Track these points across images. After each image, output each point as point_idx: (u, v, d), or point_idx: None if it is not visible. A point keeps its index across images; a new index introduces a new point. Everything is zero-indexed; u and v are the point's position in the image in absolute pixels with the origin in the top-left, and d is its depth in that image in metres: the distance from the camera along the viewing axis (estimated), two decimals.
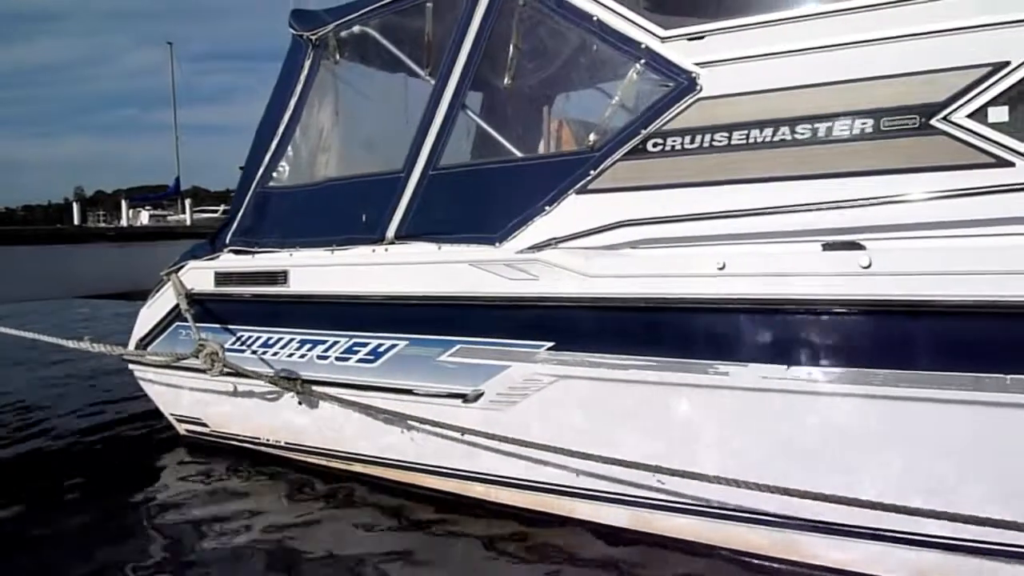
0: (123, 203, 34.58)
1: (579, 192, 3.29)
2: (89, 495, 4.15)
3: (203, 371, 4.26)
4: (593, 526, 3.39)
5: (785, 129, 2.89)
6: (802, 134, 2.86)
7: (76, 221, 37.42)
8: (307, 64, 4.41)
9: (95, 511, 3.89)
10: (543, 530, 3.44)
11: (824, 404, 2.77)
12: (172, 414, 5.05)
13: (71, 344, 4.34)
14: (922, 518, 2.62)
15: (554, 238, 3.30)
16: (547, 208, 3.35)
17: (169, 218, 39.12)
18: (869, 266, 2.62)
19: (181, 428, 5.04)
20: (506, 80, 3.72)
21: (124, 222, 33.54)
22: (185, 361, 4.32)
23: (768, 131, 2.92)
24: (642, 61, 3.22)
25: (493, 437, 3.47)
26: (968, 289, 2.50)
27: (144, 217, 39.20)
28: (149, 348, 4.87)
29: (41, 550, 3.44)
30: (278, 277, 4.17)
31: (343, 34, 4.31)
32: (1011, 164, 2.55)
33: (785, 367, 2.79)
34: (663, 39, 3.18)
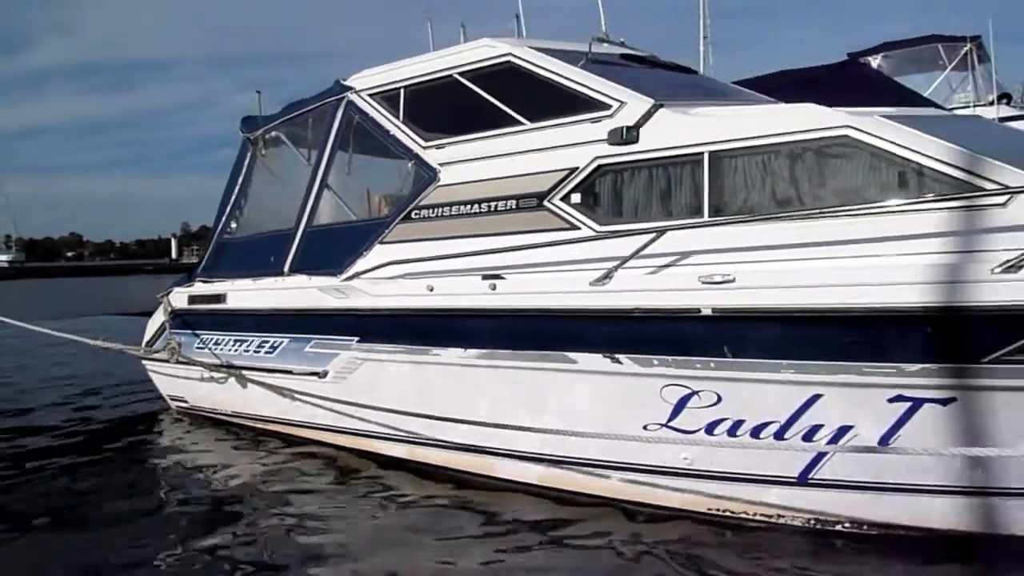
0: None
1: (380, 243, 5.22)
2: (107, 443, 6.36)
3: (181, 363, 6.40)
4: (390, 460, 5.22)
5: (475, 206, 4.75)
6: (483, 209, 4.71)
7: (174, 255, 41.95)
8: (248, 156, 6.56)
9: (114, 452, 6.05)
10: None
11: (484, 373, 4.56)
12: (167, 394, 7.21)
13: (92, 342, 6.55)
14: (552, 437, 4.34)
15: (362, 271, 5.23)
16: (364, 252, 5.29)
17: None
18: (495, 288, 4.42)
19: (173, 404, 7.19)
20: (347, 170, 5.72)
21: None
22: (158, 354, 6.49)
23: (468, 207, 4.79)
24: (412, 160, 5.15)
25: (336, 401, 5.40)
26: (546, 302, 4.26)
27: None
28: (153, 347, 7.05)
29: (76, 480, 5.51)
30: (220, 298, 6.25)
31: (267, 136, 6.43)
32: (579, 228, 4.32)
33: (463, 350, 4.61)
34: (423, 147, 5.10)
